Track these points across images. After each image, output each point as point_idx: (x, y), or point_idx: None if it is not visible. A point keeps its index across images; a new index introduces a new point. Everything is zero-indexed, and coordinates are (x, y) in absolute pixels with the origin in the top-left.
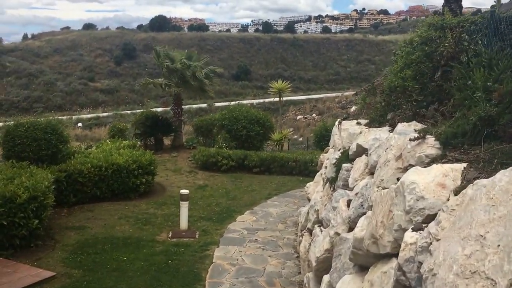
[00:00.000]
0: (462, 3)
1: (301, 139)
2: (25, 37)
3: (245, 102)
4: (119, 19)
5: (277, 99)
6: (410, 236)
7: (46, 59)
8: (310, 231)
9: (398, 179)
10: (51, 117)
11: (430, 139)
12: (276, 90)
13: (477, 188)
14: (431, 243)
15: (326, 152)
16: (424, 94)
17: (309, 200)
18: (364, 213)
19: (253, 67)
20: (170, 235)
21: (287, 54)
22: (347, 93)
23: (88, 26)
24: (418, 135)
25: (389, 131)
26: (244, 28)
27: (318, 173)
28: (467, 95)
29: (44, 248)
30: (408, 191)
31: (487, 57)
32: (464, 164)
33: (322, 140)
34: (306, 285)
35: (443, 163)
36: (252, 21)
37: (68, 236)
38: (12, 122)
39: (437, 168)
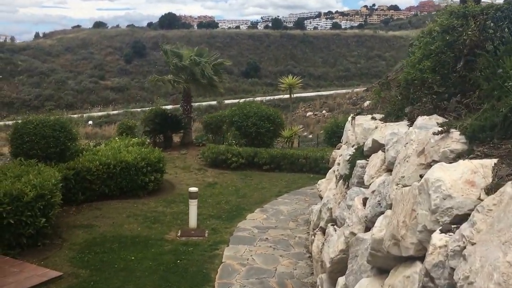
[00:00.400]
0: None
1: (310, 136)
2: (36, 36)
3: (255, 99)
4: (130, 17)
5: (287, 96)
6: (438, 239)
7: (58, 58)
8: (323, 230)
9: (421, 176)
10: (59, 115)
11: (455, 133)
12: (287, 85)
13: None
14: (465, 247)
15: (339, 149)
16: (445, 86)
17: (321, 197)
18: (382, 212)
19: (262, 64)
20: (179, 234)
21: (296, 51)
22: (357, 90)
23: (99, 25)
24: (441, 128)
25: (407, 125)
26: (254, 25)
27: (331, 170)
28: (496, 84)
29: (51, 247)
30: (433, 189)
31: None
32: (495, 160)
33: (333, 137)
34: (319, 287)
35: (470, 158)
36: (261, 18)
37: (76, 235)
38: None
39: (464, 164)
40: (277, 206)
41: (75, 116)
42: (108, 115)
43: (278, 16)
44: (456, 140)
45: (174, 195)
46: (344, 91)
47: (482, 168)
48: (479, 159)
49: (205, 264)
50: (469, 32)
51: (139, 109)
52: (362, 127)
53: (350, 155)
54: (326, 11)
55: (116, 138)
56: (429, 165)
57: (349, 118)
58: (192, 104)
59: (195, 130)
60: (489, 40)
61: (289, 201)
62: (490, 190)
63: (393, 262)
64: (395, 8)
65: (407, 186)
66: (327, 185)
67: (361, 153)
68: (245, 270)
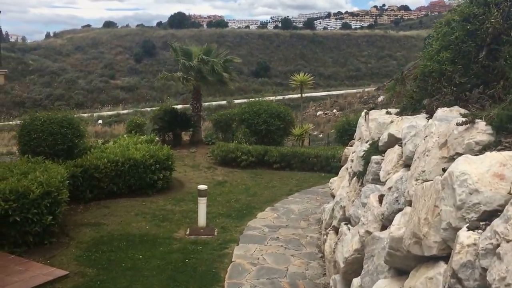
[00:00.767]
0: None
1: (321, 135)
2: (47, 35)
3: (264, 98)
4: (139, 18)
5: (296, 95)
6: (466, 236)
7: (68, 57)
8: (336, 229)
9: (443, 170)
10: (67, 112)
11: (481, 124)
12: (298, 82)
13: None
14: (498, 245)
15: (351, 146)
16: (467, 76)
17: (333, 196)
18: (400, 209)
19: (272, 64)
20: (187, 232)
21: (306, 51)
22: (368, 89)
23: (109, 24)
24: (466, 119)
25: (426, 118)
26: (263, 25)
27: (343, 168)
28: None
29: (58, 246)
30: (459, 183)
31: None
32: None
33: (345, 135)
34: None
35: (498, 150)
36: (271, 18)
37: (83, 233)
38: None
39: (492, 156)
40: (288, 205)
41: (85, 115)
42: (118, 114)
43: (287, 16)
44: (482, 131)
45: (183, 194)
46: (354, 91)
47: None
48: (508, 150)
49: (214, 264)
50: (492, 20)
51: (149, 109)
52: (377, 122)
53: (364, 151)
54: (336, 11)
55: (125, 135)
56: (452, 158)
57: (362, 114)
58: (202, 102)
59: (205, 130)
60: None
61: (300, 200)
62: None
63: (413, 263)
64: (405, 8)
65: (428, 181)
66: (340, 183)
67: (375, 149)
68: (256, 269)
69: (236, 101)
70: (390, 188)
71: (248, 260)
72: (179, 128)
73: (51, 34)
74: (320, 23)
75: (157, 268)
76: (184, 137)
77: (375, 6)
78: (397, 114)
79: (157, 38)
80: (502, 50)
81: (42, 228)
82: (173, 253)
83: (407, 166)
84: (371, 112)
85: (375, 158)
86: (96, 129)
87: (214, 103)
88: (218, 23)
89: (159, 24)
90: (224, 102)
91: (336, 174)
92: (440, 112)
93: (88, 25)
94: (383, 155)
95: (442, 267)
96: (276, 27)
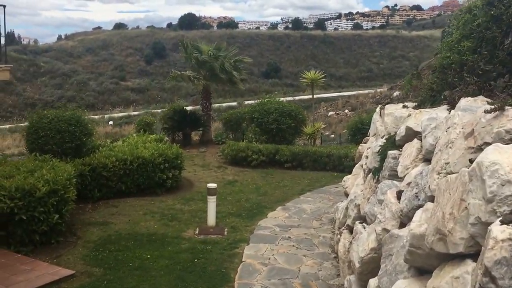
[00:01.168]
0: None
1: (332, 135)
2: (59, 38)
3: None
4: (150, 19)
5: (307, 96)
6: (500, 231)
7: (79, 59)
8: (350, 228)
9: (470, 161)
10: (75, 110)
11: (511, 111)
12: (309, 80)
13: None
14: None
15: (365, 142)
16: (492, 63)
17: (347, 195)
18: (421, 206)
19: (283, 65)
20: (197, 232)
21: (317, 51)
22: (380, 90)
23: (119, 26)
24: (495, 106)
25: (447, 109)
26: (274, 26)
27: (357, 165)
28: None
29: (65, 245)
30: (489, 174)
31: None
32: None
33: (357, 134)
34: None
35: None
36: (281, 19)
37: (91, 232)
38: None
39: None
40: (300, 204)
41: (96, 117)
42: (129, 116)
43: (298, 17)
44: None
45: (192, 193)
46: (366, 91)
47: None
48: None
49: (224, 263)
50: None
51: (159, 110)
52: (393, 116)
53: (380, 146)
54: (347, 12)
55: (134, 134)
56: (479, 149)
57: (377, 109)
58: (211, 101)
59: (215, 130)
60: None
61: (312, 200)
62: None
63: (436, 261)
64: (417, 8)
65: (453, 173)
66: (354, 181)
67: (392, 144)
68: (267, 270)
69: (246, 102)
70: (409, 184)
71: (259, 260)
72: (189, 127)
73: (63, 37)
74: (331, 24)
75: (165, 268)
76: (194, 138)
77: (387, 6)
78: (414, 107)
79: (167, 40)
80: None
81: (49, 227)
82: (182, 252)
83: (427, 160)
84: (387, 106)
85: (392, 153)
86: (106, 130)
87: (224, 104)
88: (228, 24)
89: (169, 25)
90: (234, 103)
91: (350, 173)
92: (464, 102)
93: (99, 27)
94: (400, 149)
95: (469, 265)
96: (286, 28)
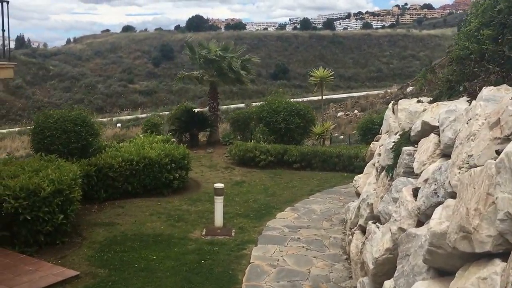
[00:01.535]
0: None
1: (342, 136)
2: (68, 41)
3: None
4: (158, 22)
5: (316, 98)
6: None
7: (88, 62)
8: (363, 229)
9: (497, 152)
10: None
11: None
12: (317, 78)
13: None
14: None
15: (377, 140)
16: None
17: (358, 194)
18: (440, 203)
19: (291, 66)
20: (203, 233)
21: (326, 52)
22: (390, 90)
23: (127, 29)
24: None
25: (467, 101)
26: (282, 27)
27: (369, 164)
28: None
29: (70, 246)
30: None
31: None
32: None
33: (368, 134)
34: None
35: None
36: (290, 19)
37: (96, 233)
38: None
39: None
40: (309, 205)
41: (104, 119)
42: (137, 118)
43: (306, 17)
44: None
45: (199, 194)
46: (376, 92)
47: None
48: None
49: (231, 265)
50: None
51: (167, 112)
52: (407, 111)
53: (393, 142)
54: (356, 11)
55: (141, 135)
56: (507, 139)
57: (390, 105)
58: (219, 102)
59: (222, 131)
60: None
61: (322, 200)
62: None
63: (459, 261)
64: (428, 7)
65: (477, 166)
66: (366, 180)
67: (407, 140)
68: (275, 271)
69: (254, 104)
70: (426, 180)
71: (267, 261)
72: (196, 128)
73: (72, 40)
74: (340, 23)
75: (171, 269)
76: (201, 139)
77: (397, 5)
78: (430, 102)
79: (175, 42)
80: None
81: (54, 227)
82: (188, 254)
83: (445, 155)
84: (400, 102)
85: (406, 149)
86: (114, 131)
87: (232, 106)
88: (236, 25)
89: (177, 27)
90: (242, 105)
91: (360, 173)
92: (486, 91)
93: (108, 30)
94: (415, 145)
95: (498, 265)
96: (295, 28)
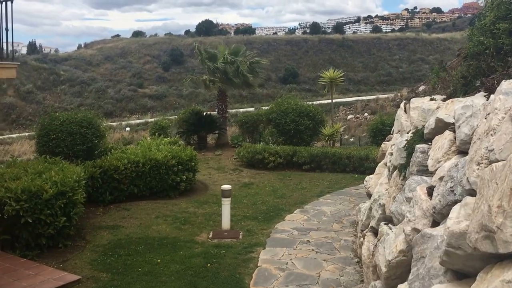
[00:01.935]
0: None
1: (352, 139)
2: (79, 47)
3: None
4: (168, 27)
5: (326, 101)
6: None
7: (98, 67)
8: (375, 230)
9: None
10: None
11: None
12: (327, 80)
13: None
14: None
15: (389, 140)
16: None
17: (369, 195)
18: (457, 201)
19: (300, 70)
20: (210, 236)
21: (335, 55)
22: (400, 93)
23: (137, 34)
24: None
25: (485, 96)
26: (291, 31)
27: (380, 164)
28: None
29: (73, 249)
30: None
31: None
32: None
33: (379, 135)
34: None
35: None
36: (299, 24)
37: (100, 236)
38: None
39: None
40: (319, 206)
41: (114, 124)
42: (146, 122)
43: (316, 22)
44: None
45: (207, 196)
46: (385, 95)
47: None
48: None
49: (238, 268)
50: None
51: (176, 116)
52: (420, 109)
53: (406, 140)
54: (366, 15)
55: (148, 138)
56: None
57: (401, 105)
58: (227, 105)
59: (231, 134)
60: None
61: (332, 202)
62: None
63: (480, 263)
64: (437, 10)
65: (499, 161)
66: (377, 180)
67: (420, 137)
68: (284, 275)
69: (264, 108)
70: (441, 178)
71: (275, 265)
72: (204, 130)
73: (82, 46)
74: (350, 27)
75: (176, 273)
76: (210, 142)
77: (406, 9)
78: (444, 100)
79: (184, 46)
80: None
81: (56, 230)
82: (194, 257)
83: (461, 152)
84: (413, 100)
85: (420, 147)
86: (122, 135)
87: (241, 109)
88: (246, 30)
89: (187, 32)
90: (252, 109)
91: (371, 174)
92: (506, 84)
93: (118, 35)
94: (429, 143)
95: None
96: (304, 33)
